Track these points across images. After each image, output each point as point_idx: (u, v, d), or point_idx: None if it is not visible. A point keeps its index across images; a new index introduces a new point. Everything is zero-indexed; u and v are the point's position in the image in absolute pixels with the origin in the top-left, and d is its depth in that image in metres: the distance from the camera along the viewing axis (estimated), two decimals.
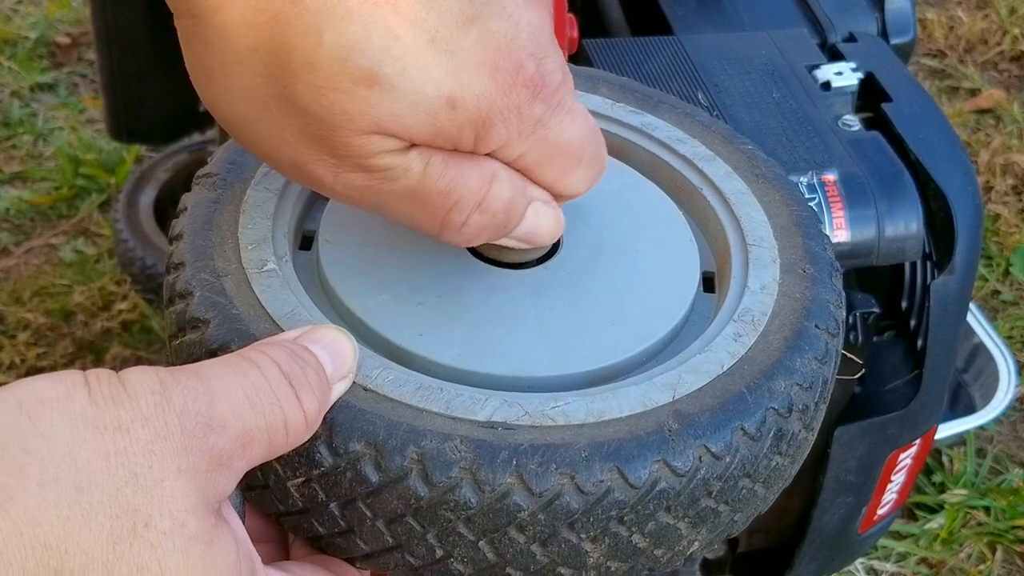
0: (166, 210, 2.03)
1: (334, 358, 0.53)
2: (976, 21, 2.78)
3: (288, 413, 0.49)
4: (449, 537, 0.53)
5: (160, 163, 2.13)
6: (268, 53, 0.49)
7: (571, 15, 1.00)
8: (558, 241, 0.67)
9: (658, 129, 0.75)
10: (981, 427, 1.80)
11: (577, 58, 1.08)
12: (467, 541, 0.53)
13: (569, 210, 0.69)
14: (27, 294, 2.05)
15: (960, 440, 1.85)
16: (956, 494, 1.78)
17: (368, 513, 0.53)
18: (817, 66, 1.12)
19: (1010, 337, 2.04)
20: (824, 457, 1.06)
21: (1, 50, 2.63)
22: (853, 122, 1.07)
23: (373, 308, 0.60)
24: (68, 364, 1.93)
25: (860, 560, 1.69)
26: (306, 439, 0.52)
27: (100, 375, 0.46)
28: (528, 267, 0.66)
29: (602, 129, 0.75)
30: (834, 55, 1.15)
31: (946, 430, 1.70)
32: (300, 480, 0.54)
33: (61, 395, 0.44)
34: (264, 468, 0.54)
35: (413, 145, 0.51)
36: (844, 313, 0.66)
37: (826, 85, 1.10)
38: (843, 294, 0.67)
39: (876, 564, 1.71)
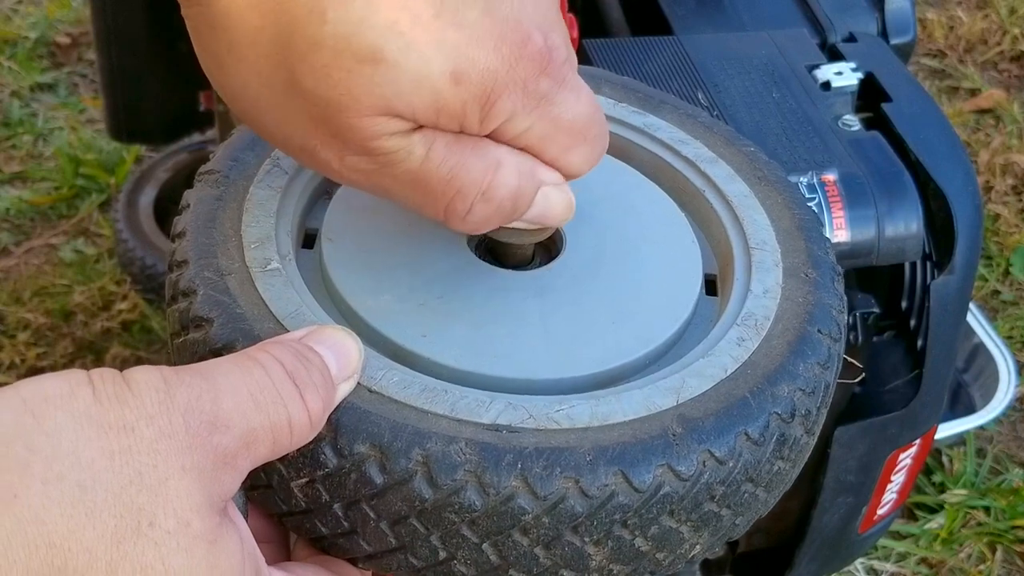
0: (166, 210, 2.03)
1: (339, 359, 0.53)
2: (976, 21, 2.79)
3: (292, 412, 0.49)
4: (453, 539, 0.53)
5: (160, 163, 2.13)
6: (273, 34, 0.49)
7: (571, 15, 1.00)
8: (561, 242, 0.67)
9: (660, 130, 0.75)
10: (981, 427, 1.80)
11: (577, 58, 1.08)
12: (471, 543, 0.53)
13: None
14: (27, 294, 2.05)
15: (960, 440, 1.85)
16: (956, 494, 1.78)
17: (372, 514, 0.53)
18: (817, 66, 1.12)
19: (1010, 337, 2.04)
20: (824, 457, 1.06)
21: (1, 50, 2.63)
22: (853, 122, 1.07)
23: (376, 308, 0.60)
24: (68, 364, 1.93)
25: (860, 560, 1.69)
26: (310, 439, 0.51)
27: (104, 374, 0.46)
28: (531, 268, 0.66)
29: None
30: (834, 55, 1.15)
31: (946, 430, 1.70)
32: (304, 481, 0.54)
33: (65, 393, 0.44)
34: (268, 468, 0.54)
35: (418, 128, 0.51)
36: (846, 317, 0.66)
37: (826, 85, 1.10)
38: (845, 298, 0.67)
39: (876, 564, 1.71)
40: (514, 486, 0.51)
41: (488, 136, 0.53)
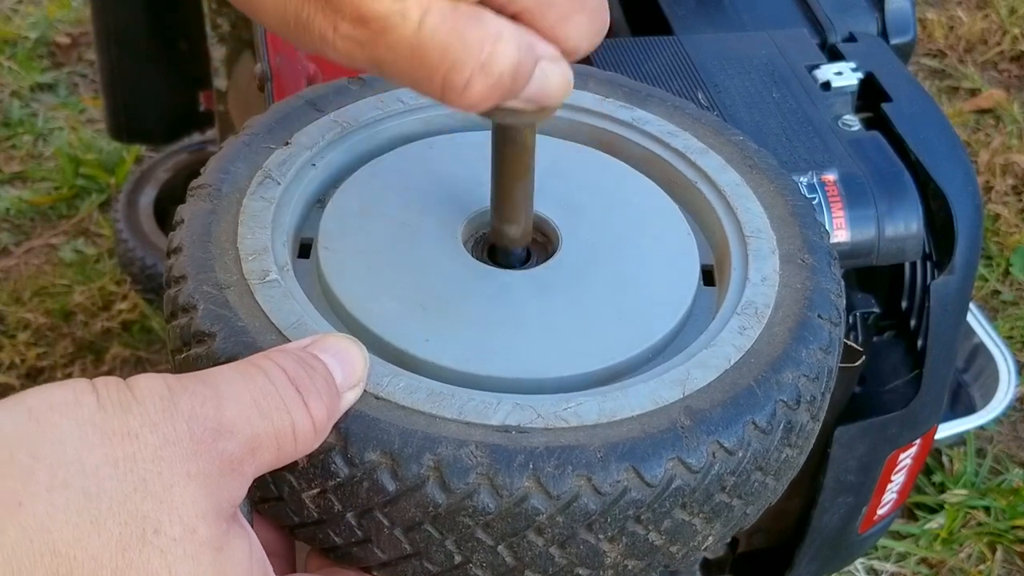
0: (166, 210, 2.03)
1: (344, 367, 0.53)
2: (976, 21, 2.79)
3: (296, 419, 0.49)
4: (468, 543, 0.53)
5: (160, 163, 2.13)
6: None
7: None
8: (557, 240, 0.67)
9: (649, 123, 0.75)
10: (981, 427, 1.80)
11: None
12: (486, 546, 0.53)
13: (566, 208, 0.69)
14: (27, 294, 2.05)
15: (960, 440, 1.85)
16: (956, 494, 1.78)
17: (385, 522, 0.53)
18: (817, 66, 1.12)
19: (1010, 337, 2.04)
20: (824, 457, 1.06)
21: (1, 50, 2.63)
22: (853, 122, 1.07)
23: (377, 314, 0.60)
24: (68, 364, 1.93)
25: (860, 560, 1.69)
26: (315, 447, 0.51)
27: (108, 382, 0.46)
28: (529, 267, 0.66)
29: (594, 125, 0.75)
30: (834, 55, 1.15)
31: (946, 430, 1.70)
32: (315, 491, 0.53)
33: (70, 401, 0.44)
34: (278, 480, 0.54)
35: None
36: (844, 301, 0.66)
37: (826, 85, 1.10)
38: (842, 282, 0.67)
39: (876, 564, 1.71)
40: (527, 487, 0.52)
41: (485, 3, 0.50)
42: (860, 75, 1.11)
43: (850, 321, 1.04)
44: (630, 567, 0.56)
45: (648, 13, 1.23)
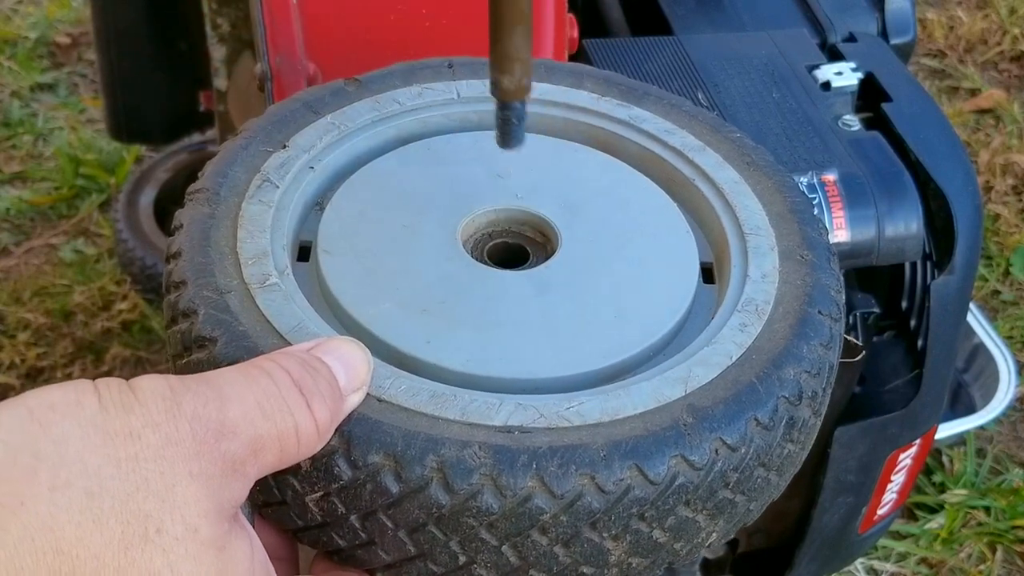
0: (166, 210, 2.03)
1: (347, 370, 0.53)
2: (976, 21, 2.79)
3: (299, 420, 0.49)
4: (472, 543, 0.53)
5: (160, 163, 2.13)
6: None
7: (571, 15, 1.00)
8: (557, 240, 0.67)
9: (646, 121, 0.75)
10: (981, 427, 1.80)
11: (577, 58, 1.08)
12: (490, 546, 0.53)
13: (565, 208, 0.69)
14: (27, 294, 2.05)
15: (960, 440, 1.85)
16: (956, 494, 1.78)
17: (389, 524, 0.53)
18: (817, 66, 1.12)
19: (1010, 337, 2.04)
20: (824, 457, 1.06)
21: (1, 50, 2.63)
22: (853, 122, 1.07)
23: (378, 317, 0.60)
24: (68, 364, 1.93)
25: (860, 560, 1.69)
26: (317, 449, 0.51)
27: (110, 383, 0.46)
28: (528, 267, 0.66)
29: (591, 124, 0.75)
30: (834, 55, 1.15)
31: (946, 430, 1.70)
32: (319, 494, 0.53)
33: (71, 401, 0.44)
34: (281, 483, 0.54)
35: None
36: (844, 297, 0.66)
37: (826, 85, 1.10)
38: (842, 278, 0.67)
39: (876, 564, 1.71)
40: (530, 486, 0.52)
41: None
42: (860, 75, 1.11)
43: (850, 321, 1.04)
44: (634, 565, 0.56)
45: (648, 13, 1.23)
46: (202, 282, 0.59)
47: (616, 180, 0.72)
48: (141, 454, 0.44)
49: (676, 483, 0.53)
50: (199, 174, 0.67)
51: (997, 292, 2.14)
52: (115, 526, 0.43)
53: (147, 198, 2.06)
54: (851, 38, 1.18)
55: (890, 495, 1.17)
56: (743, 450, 0.55)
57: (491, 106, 0.76)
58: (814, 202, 0.97)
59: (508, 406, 0.55)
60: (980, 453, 1.86)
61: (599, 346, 0.61)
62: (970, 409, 1.77)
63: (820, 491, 1.09)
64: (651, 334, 0.62)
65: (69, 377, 1.90)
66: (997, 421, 1.86)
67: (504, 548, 0.53)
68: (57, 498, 0.42)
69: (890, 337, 1.10)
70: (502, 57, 0.60)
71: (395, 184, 0.69)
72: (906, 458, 1.13)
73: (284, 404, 0.49)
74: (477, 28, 0.77)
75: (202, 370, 0.56)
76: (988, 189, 2.33)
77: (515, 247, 0.69)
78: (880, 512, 1.19)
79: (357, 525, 0.54)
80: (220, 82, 1.63)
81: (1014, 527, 1.75)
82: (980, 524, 1.75)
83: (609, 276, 0.65)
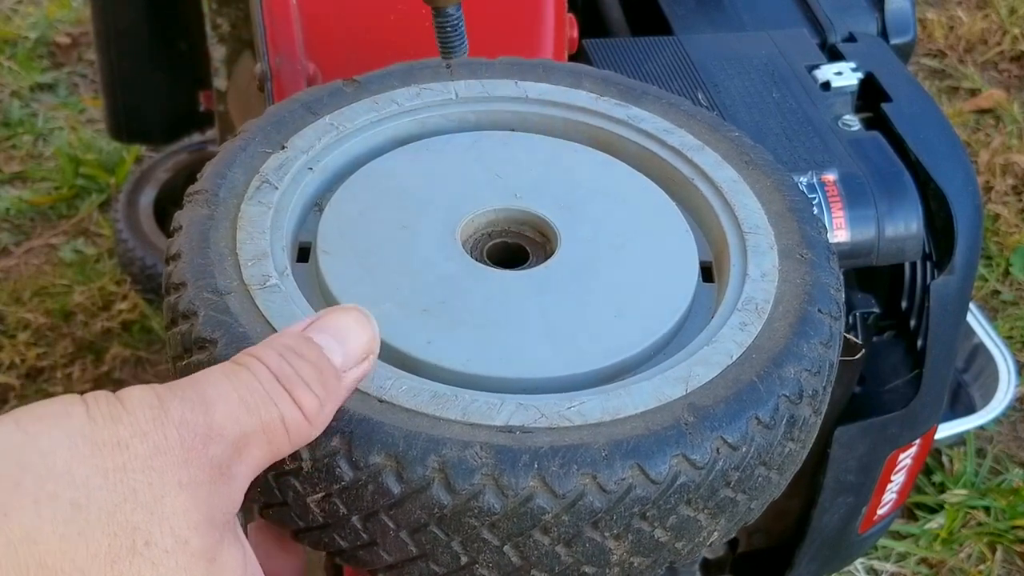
0: (166, 210, 2.03)
1: (343, 346, 0.52)
2: (976, 21, 2.78)
3: (284, 411, 0.48)
4: (474, 544, 0.53)
5: (160, 163, 2.13)
6: None
7: (571, 15, 1.00)
8: (556, 240, 0.67)
9: (644, 121, 0.75)
10: (981, 427, 1.80)
11: (577, 58, 1.08)
12: (492, 546, 0.53)
13: (565, 207, 0.69)
14: (27, 294, 2.05)
15: (960, 440, 1.85)
16: (956, 494, 1.78)
17: (391, 524, 0.53)
18: (817, 66, 1.12)
19: (1010, 337, 2.04)
20: (824, 457, 1.06)
21: (1, 50, 2.63)
22: (853, 122, 1.07)
23: (378, 317, 0.60)
24: (68, 364, 1.93)
25: (860, 560, 1.69)
26: (313, 436, 0.51)
27: (98, 395, 0.45)
28: (528, 267, 0.66)
29: (590, 124, 0.76)
30: (834, 55, 1.15)
31: (946, 430, 1.70)
32: (320, 495, 0.53)
33: (59, 413, 0.44)
34: (283, 484, 0.54)
35: None
36: (844, 295, 0.66)
37: (826, 85, 1.10)
38: (841, 276, 0.67)
39: (876, 564, 1.71)
40: (532, 486, 0.52)
41: None
42: (860, 75, 1.11)
43: (850, 321, 1.04)
44: (636, 564, 0.56)
45: (648, 13, 1.23)
46: (202, 283, 0.59)
47: (615, 180, 0.72)
48: (129, 464, 0.43)
49: (678, 482, 0.54)
50: (198, 175, 0.67)
51: (997, 292, 2.14)
52: (102, 539, 0.42)
53: (147, 198, 2.06)
54: (851, 38, 1.18)
55: (890, 495, 1.17)
56: (744, 449, 0.55)
57: (491, 106, 0.76)
58: (814, 202, 0.97)
59: (509, 406, 0.55)
60: (980, 453, 1.86)
61: (599, 345, 0.61)
62: (970, 409, 1.77)
63: (820, 491, 1.09)
64: (651, 333, 0.62)
65: (69, 377, 1.90)
66: (997, 421, 1.86)
67: (506, 548, 0.53)
68: (42, 510, 0.41)
69: (890, 337, 1.10)
70: None
71: (394, 184, 0.69)
72: (906, 458, 1.13)
73: (267, 396, 0.48)
74: (477, 28, 0.77)
75: None
76: (988, 189, 2.33)
77: (515, 247, 0.69)
78: (880, 512, 1.19)
79: (359, 526, 0.54)
80: (220, 82, 1.63)
81: (1014, 527, 1.75)
82: (980, 524, 1.75)
83: (609, 275, 0.65)
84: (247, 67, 1.51)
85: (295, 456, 0.53)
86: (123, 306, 2.02)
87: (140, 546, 0.43)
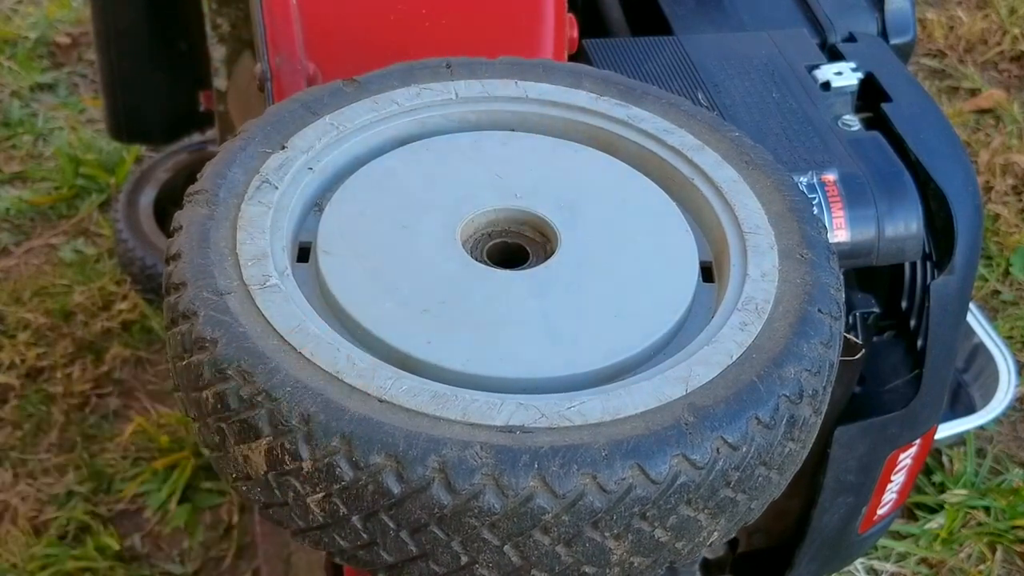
0: (166, 210, 2.02)
1: None
2: (976, 21, 2.78)
3: None
4: (474, 543, 0.53)
5: (160, 163, 2.13)
6: None
7: (571, 15, 1.00)
8: (556, 240, 0.67)
9: (644, 121, 0.75)
10: (981, 427, 1.80)
11: (577, 58, 1.08)
12: (492, 546, 0.53)
13: (565, 207, 0.69)
14: (27, 294, 2.05)
15: (960, 440, 1.85)
16: (956, 494, 1.78)
17: (391, 524, 0.53)
18: (817, 66, 1.12)
19: (1010, 337, 2.04)
20: (824, 457, 1.06)
21: (1, 50, 2.63)
22: (853, 122, 1.07)
23: (379, 317, 0.60)
24: (68, 364, 1.93)
25: (860, 560, 1.69)
26: None
27: None
28: (528, 267, 0.66)
29: (590, 124, 0.76)
30: (834, 55, 1.15)
31: (946, 430, 1.70)
32: (320, 495, 0.53)
33: None
34: (283, 484, 0.54)
35: None
36: (844, 295, 0.66)
37: (826, 85, 1.10)
38: (841, 276, 0.67)
39: (876, 564, 1.71)
40: (532, 486, 0.52)
41: None
42: (860, 75, 1.11)
43: (850, 321, 1.04)
44: (636, 564, 0.56)
45: (648, 13, 1.23)
46: (202, 284, 0.59)
47: (615, 180, 0.72)
48: None
49: (678, 482, 0.54)
50: (198, 175, 0.67)
51: (997, 292, 2.14)
52: None
53: (147, 198, 2.05)
54: (851, 38, 1.18)
55: (890, 495, 1.17)
56: (744, 449, 0.55)
57: (491, 106, 0.76)
58: (814, 202, 0.97)
59: (509, 406, 0.55)
60: (980, 453, 1.86)
61: (599, 345, 0.61)
62: (970, 409, 1.77)
63: (820, 491, 1.08)
64: (651, 333, 0.62)
65: (69, 377, 1.90)
66: (997, 421, 1.86)
67: (506, 548, 0.53)
68: None
69: (890, 337, 1.10)
70: None
71: (394, 184, 0.69)
72: (906, 458, 1.13)
73: None
74: (477, 28, 0.77)
75: (202, 371, 0.56)
76: (988, 189, 2.33)
77: (515, 247, 0.69)
78: (880, 512, 1.19)
79: (359, 526, 0.54)
80: (220, 82, 1.63)
81: (1014, 527, 1.75)
82: (980, 524, 1.75)
83: (609, 275, 0.65)
84: (247, 67, 1.51)
85: (295, 456, 0.53)
86: (123, 306, 2.02)
87: None
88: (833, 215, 0.98)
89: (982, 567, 1.71)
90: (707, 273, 0.69)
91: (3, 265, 2.13)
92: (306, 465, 0.53)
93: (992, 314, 2.10)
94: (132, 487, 1.73)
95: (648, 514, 0.54)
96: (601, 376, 0.60)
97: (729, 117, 1.03)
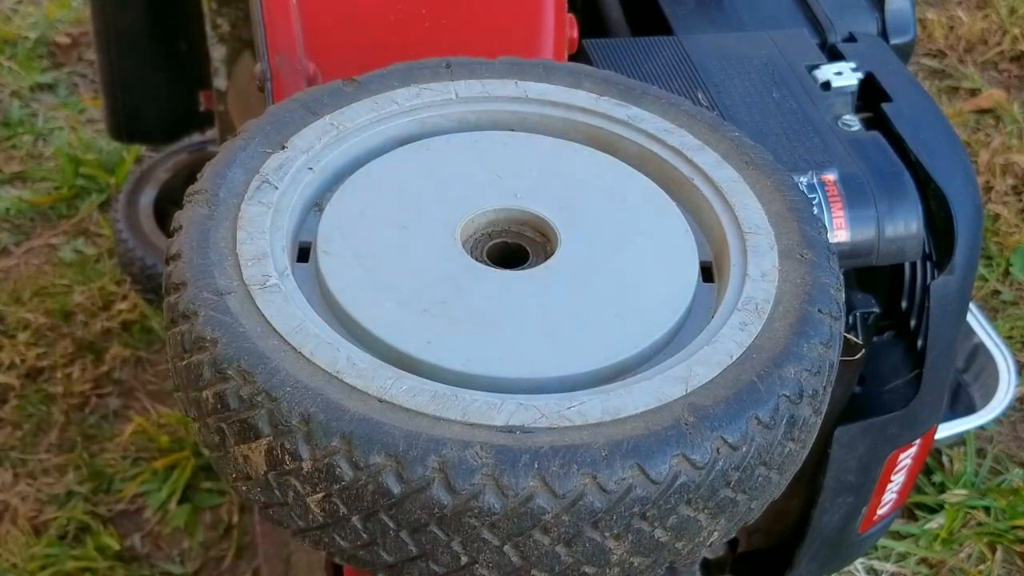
0: (166, 210, 2.02)
1: None
2: (976, 21, 2.78)
3: None
4: (474, 543, 0.53)
5: (160, 163, 2.13)
6: None
7: (571, 15, 1.00)
8: (556, 240, 0.67)
9: (644, 121, 0.75)
10: (981, 427, 1.80)
11: (577, 58, 1.08)
12: (492, 546, 0.53)
13: (565, 207, 0.69)
14: (27, 294, 2.05)
15: (960, 440, 1.85)
16: (956, 494, 1.78)
17: (391, 524, 0.53)
18: (817, 66, 1.12)
19: (1010, 337, 2.04)
20: (824, 457, 1.06)
21: (1, 50, 2.63)
22: (853, 122, 1.07)
23: (378, 317, 0.60)
24: (68, 364, 1.93)
25: (860, 560, 1.69)
26: None
27: None
28: (528, 267, 0.66)
29: (590, 124, 0.76)
30: (834, 55, 1.15)
31: (946, 430, 1.70)
32: (320, 495, 0.54)
33: None
34: (283, 484, 0.54)
35: None
36: (844, 295, 0.66)
37: (826, 85, 1.10)
38: (841, 277, 0.67)
39: (876, 564, 1.71)
40: (532, 486, 0.52)
41: None
42: (860, 75, 1.11)
43: (850, 321, 1.04)
44: (636, 564, 0.56)
45: (648, 13, 1.23)
46: (202, 284, 0.59)
47: (615, 180, 0.72)
48: None
49: (678, 482, 0.54)
50: (198, 175, 0.67)
51: (997, 292, 2.14)
52: None
53: (147, 198, 2.05)
54: (851, 38, 1.18)
55: (890, 495, 1.17)
56: (744, 449, 0.55)
57: (491, 106, 0.76)
58: (814, 202, 0.97)
59: (509, 406, 0.55)
60: (980, 453, 1.86)
61: (599, 345, 0.61)
62: (970, 409, 1.77)
63: (820, 491, 1.08)
64: (651, 333, 0.62)
65: (69, 377, 1.90)
66: (997, 421, 1.86)
67: (506, 548, 0.53)
68: None
69: (890, 337, 1.10)
70: None
71: (394, 184, 0.69)
72: (906, 458, 1.13)
73: None
74: (477, 28, 0.77)
75: (202, 371, 0.56)
76: (988, 189, 2.33)
77: (514, 247, 0.69)
78: (880, 512, 1.19)
79: (359, 526, 0.54)
80: (220, 82, 1.63)
81: (1014, 527, 1.75)
82: (980, 524, 1.75)
83: (609, 275, 0.65)
84: (247, 67, 1.51)
85: (295, 456, 0.53)
86: (123, 306, 2.02)
87: None
88: (833, 215, 0.98)
89: (982, 567, 1.71)
90: (707, 273, 0.69)
91: (3, 265, 2.13)
92: (306, 465, 0.53)
93: (992, 314, 2.10)
94: (132, 487, 1.73)
95: (648, 514, 0.54)
96: (601, 376, 0.60)
97: (729, 117, 1.03)
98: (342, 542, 0.55)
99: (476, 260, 0.65)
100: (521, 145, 0.74)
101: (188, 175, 1.95)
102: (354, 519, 0.54)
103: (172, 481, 1.73)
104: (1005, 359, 1.78)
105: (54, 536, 1.67)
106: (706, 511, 0.56)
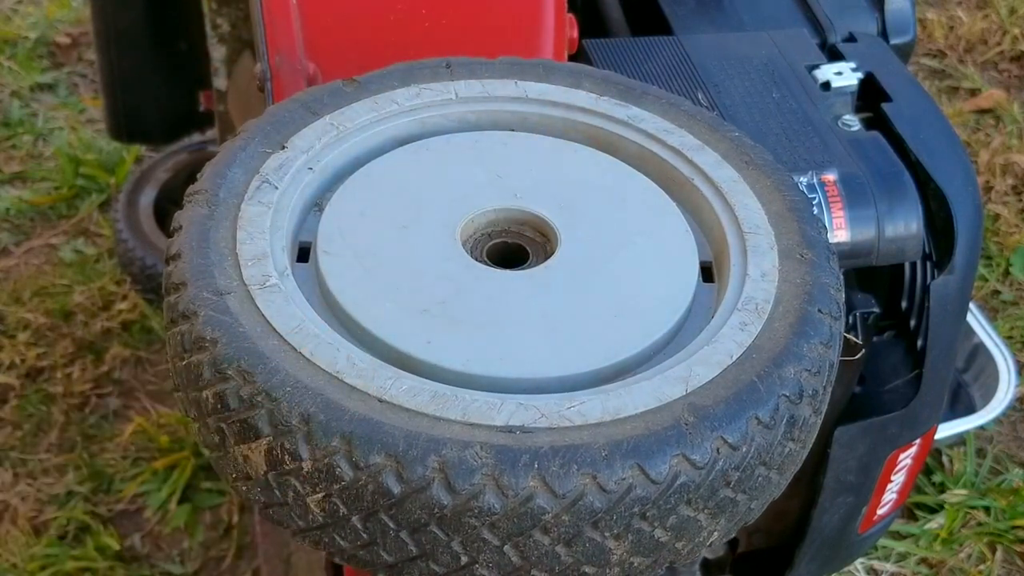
0: (166, 210, 2.02)
1: None
2: (976, 21, 2.78)
3: None
4: (474, 543, 0.53)
5: (160, 163, 2.13)
6: None
7: (571, 15, 1.00)
8: (556, 240, 0.67)
9: (644, 121, 0.75)
10: (981, 427, 1.80)
11: (577, 58, 1.08)
12: (492, 546, 0.53)
13: (565, 207, 0.69)
14: (27, 294, 2.05)
15: (960, 440, 1.85)
16: (956, 494, 1.78)
17: (391, 524, 0.53)
18: (817, 66, 1.12)
19: (1010, 337, 2.04)
20: (824, 457, 1.06)
21: (1, 50, 2.63)
22: (853, 122, 1.07)
23: (378, 317, 0.60)
24: (68, 364, 1.93)
25: (860, 560, 1.69)
26: None
27: None
28: (528, 267, 0.66)
29: (590, 124, 0.76)
30: (834, 55, 1.15)
31: (946, 430, 1.70)
32: (320, 495, 0.54)
33: None
34: (283, 484, 0.54)
35: None
36: (844, 295, 0.66)
37: (826, 85, 1.10)
38: (841, 277, 0.67)
39: (876, 564, 1.71)
40: (532, 486, 0.52)
41: None
42: (860, 75, 1.11)
43: (850, 321, 1.04)
44: (636, 564, 0.56)
45: (648, 13, 1.23)
46: (202, 283, 0.59)
47: (615, 179, 0.72)
48: None
49: (678, 482, 0.54)
50: (198, 175, 0.67)
51: (997, 292, 2.14)
52: None
53: (147, 198, 2.05)
54: (851, 38, 1.18)
55: (890, 495, 1.17)
56: (744, 449, 0.55)
57: (491, 106, 0.76)
58: (814, 202, 0.97)
59: (509, 406, 0.55)
60: (980, 453, 1.85)
61: (599, 345, 0.61)
62: (970, 409, 1.77)
63: (820, 491, 1.08)
64: (651, 333, 0.62)
65: (69, 377, 1.90)
66: (997, 421, 1.86)
67: (506, 548, 0.53)
68: None
69: (890, 337, 1.10)
70: None
71: (394, 184, 0.69)
72: (906, 458, 1.13)
73: None
74: (477, 28, 0.77)
75: (202, 371, 0.56)
76: (988, 189, 2.33)
77: (514, 247, 0.69)
78: (880, 512, 1.19)
79: (359, 525, 0.54)
80: (220, 82, 1.63)
81: (1014, 527, 1.75)
82: (980, 524, 1.75)
83: (608, 275, 0.65)
84: (247, 67, 1.51)
85: (295, 456, 0.53)
86: (123, 306, 2.02)
87: None
88: (833, 215, 0.98)
89: (982, 567, 1.71)
90: (707, 273, 0.69)
91: (3, 265, 2.13)
92: (306, 465, 0.53)
93: (992, 314, 2.10)
94: (132, 487, 1.73)
95: (648, 514, 0.54)
96: (601, 376, 0.60)
97: (729, 117, 1.03)
98: (342, 542, 0.55)
99: (476, 260, 0.65)
100: (521, 145, 0.74)
101: (188, 175, 1.95)
102: (354, 519, 0.54)
103: (172, 481, 1.73)
104: (1005, 359, 1.78)
105: (54, 536, 1.67)
106: (706, 511, 0.56)
